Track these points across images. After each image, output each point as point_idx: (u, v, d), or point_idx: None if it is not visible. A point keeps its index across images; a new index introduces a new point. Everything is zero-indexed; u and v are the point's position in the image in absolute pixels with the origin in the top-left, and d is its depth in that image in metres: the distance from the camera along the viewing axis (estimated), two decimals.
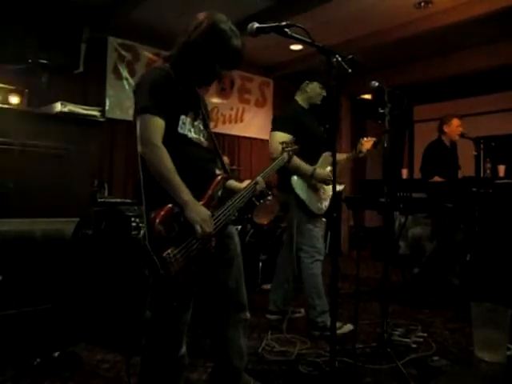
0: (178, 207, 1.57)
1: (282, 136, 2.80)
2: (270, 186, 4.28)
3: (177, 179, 1.57)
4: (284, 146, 2.16)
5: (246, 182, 1.92)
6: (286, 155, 2.13)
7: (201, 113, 1.81)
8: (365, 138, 3.20)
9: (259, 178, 1.93)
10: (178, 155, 1.61)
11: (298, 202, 2.90)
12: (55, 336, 2.46)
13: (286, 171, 2.88)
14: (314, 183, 2.92)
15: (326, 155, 2.99)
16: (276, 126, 2.98)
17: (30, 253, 2.45)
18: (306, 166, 2.88)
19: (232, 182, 1.94)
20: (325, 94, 3.03)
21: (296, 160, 2.78)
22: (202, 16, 1.73)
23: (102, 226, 2.91)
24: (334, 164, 1.74)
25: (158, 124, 1.60)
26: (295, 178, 2.90)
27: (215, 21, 1.70)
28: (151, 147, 1.58)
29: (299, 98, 3.08)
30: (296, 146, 2.21)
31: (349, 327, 2.89)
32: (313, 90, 3.02)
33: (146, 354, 1.72)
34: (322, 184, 2.96)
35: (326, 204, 3.01)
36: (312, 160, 2.94)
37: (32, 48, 3.91)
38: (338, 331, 2.72)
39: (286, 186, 2.92)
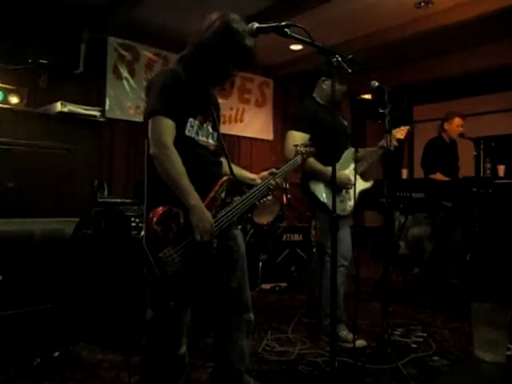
0: (181, 208, 1.57)
1: (298, 135, 2.73)
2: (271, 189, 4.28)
3: (186, 182, 1.58)
4: (298, 147, 2.10)
5: (257, 176, 1.95)
6: (299, 158, 2.07)
7: (211, 114, 1.81)
8: (397, 128, 2.99)
9: (273, 182, 1.93)
10: (183, 158, 1.61)
11: (319, 206, 2.79)
12: (55, 336, 2.46)
13: (306, 176, 2.83)
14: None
15: (350, 152, 2.87)
16: (293, 124, 2.87)
17: (29, 253, 2.45)
18: (323, 169, 2.73)
19: (244, 173, 1.97)
20: (345, 88, 2.87)
21: (312, 163, 2.69)
22: (214, 16, 1.72)
23: (101, 226, 2.91)
24: (333, 170, 1.74)
25: (169, 126, 1.61)
26: (313, 181, 2.79)
27: (228, 21, 1.69)
28: (162, 149, 1.58)
29: (317, 95, 2.96)
30: (312, 149, 2.13)
31: (362, 343, 2.70)
32: (329, 87, 2.80)
33: (145, 353, 1.72)
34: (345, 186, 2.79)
35: (350, 204, 2.82)
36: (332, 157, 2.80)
37: (32, 48, 3.92)
38: (349, 345, 2.62)
39: (306, 192, 2.84)
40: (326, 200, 2.75)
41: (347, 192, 2.82)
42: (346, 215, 2.79)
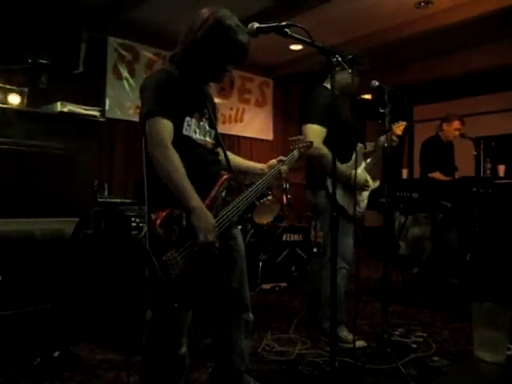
0: (183, 210, 1.57)
1: (318, 129, 2.61)
2: (270, 187, 4.29)
3: (187, 183, 1.56)
4: (295, 142, 2.10)
5: (265, 166, 2.00)
6: (296, 152, 2.08)
7: (207, 112, 1.80)
8: (395, 124, 2.91)
9: (284, 167, 1.98)
10: (181, 158, 1.60)
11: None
12: (55, 336, 2.46)
13: (313, 169, 2.75)
14: (350, 184, 2.64)
15: (359, 149, 2.78)
16: (310, 117, 2.69)
17: (29, 253, 2.45)
18: (342, 168, 2.63)
19: (252, 163, 2.03)
20: (359, 81, 2.75)
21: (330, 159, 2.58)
22: (206, 13, 1.71)
23: (102, 226, 2.91)
24: (333, 168, 1.74)
25: (167, 126, 1.60)
26: (330, 180, 2.61)
27: (220, 17, 1.69)
28: (161, 150, 1.57)
29: (329, 85, 2.76)
30: (309, 142, 2.13)
31: (361, 343, 2.68)
32: (343, 79, 2.70)
33: (145, 353, 1.72)
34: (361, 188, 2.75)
35: (363, 206, 2.81)
36: (345, 154, 2.71)
37: (32, 48, 3.91)
38: (349, 345, 2.58)
39: (315, 185, 2.74)
40: (342, 202, 2.63)
41: (360, 193, 2.81)
42: (355, 217, 2.74)
